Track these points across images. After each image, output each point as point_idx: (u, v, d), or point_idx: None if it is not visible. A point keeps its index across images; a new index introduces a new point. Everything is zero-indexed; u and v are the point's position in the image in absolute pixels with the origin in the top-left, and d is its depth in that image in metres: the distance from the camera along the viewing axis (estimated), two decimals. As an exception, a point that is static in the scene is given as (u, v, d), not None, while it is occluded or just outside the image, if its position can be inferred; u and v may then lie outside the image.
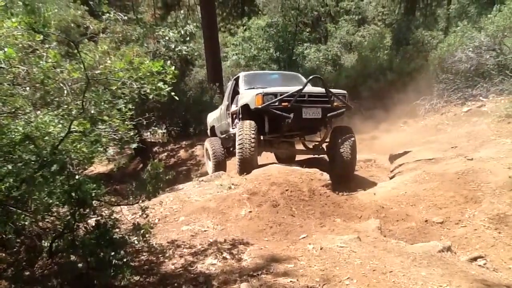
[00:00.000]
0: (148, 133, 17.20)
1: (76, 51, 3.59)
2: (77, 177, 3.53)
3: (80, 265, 3.58)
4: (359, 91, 15.63)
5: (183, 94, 15.65)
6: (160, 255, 4.41)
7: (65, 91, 3.62)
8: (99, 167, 10.98)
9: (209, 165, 10.52)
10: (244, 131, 7.53)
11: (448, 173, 6.79)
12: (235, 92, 9.67)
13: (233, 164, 9.35)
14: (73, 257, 3.63)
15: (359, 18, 24.14)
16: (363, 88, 15.81)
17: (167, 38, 14.93)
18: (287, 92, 7.60)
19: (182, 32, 15.91)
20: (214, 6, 19.34)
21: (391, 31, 21.52)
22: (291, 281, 3.72)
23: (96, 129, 3.81)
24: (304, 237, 4.85)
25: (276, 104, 7.53)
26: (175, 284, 3.82)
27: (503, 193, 5.86)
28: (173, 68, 3.89)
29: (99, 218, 3.77)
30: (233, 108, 9.42)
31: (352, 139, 8.05)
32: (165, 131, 17.39)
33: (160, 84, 3.77)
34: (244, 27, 24.72)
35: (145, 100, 4.10)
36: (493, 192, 5.96)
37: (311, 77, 7.95)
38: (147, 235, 4.05)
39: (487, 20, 12.63)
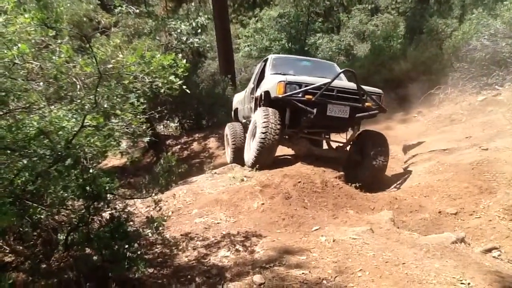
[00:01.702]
0: (161, 126, 17.31)
1: (88, 45, 3.62)
2: (91, 171, 3.57)
3: (95, 258, 3.64)
4: (372, 80, 15.48)
5: (195, 87, 15.67)
6: (173, 248, 4.46)
7: (78, 86, 3.65)
8: (113, 160, 11.06)
9: (228, 152, 10.03)
10: (270, 117, 6.85)
11: (462, 164, 6.72)
12: (262, 75, 8.86)
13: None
14: (88, 250, 3.69)
15: (372, 7, 23.92)
16: (376, 78, 15.64)
17: (178, 30, 14.93)
18: (314, 84, 6.85)
19: (194, 25, 15.93)
20: (226, -2, 19.29)
21: (405, 20, 21.27)
22: (303, 273, 3.73)
23: (109, 123, 3.83)
24: (316, 229, 4.85)
25: (299, 95, 6.81)
26: (189, 276, 3.86)
27: (518, 183, 5.79)
28: (184, 61, 3.91)
29: (113, 211, 3.81)
30: (258, 92, 8.62)
31: (387, 150, 7.42)
32: (177, 124, 17.45)
33: (172, 78, 3.78)
34: (256, 18, 24.72)
35: (157, 94, 4.11)
36: (509, 183, 5.89)
37: (342, 70, 7.30)
38: (160, 228, 4.09)
39: (503, 7, 12.38)
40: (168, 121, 17.13)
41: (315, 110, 6.79)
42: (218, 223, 5.14)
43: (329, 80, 6.85)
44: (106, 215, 3.85)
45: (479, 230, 5.16)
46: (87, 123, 3.55)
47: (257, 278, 3.69)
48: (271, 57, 9.01)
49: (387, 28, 20.51)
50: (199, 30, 16.46)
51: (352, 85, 7.14)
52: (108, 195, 3.74)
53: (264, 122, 6.80)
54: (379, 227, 4.87)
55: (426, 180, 6.70)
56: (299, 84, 6.89)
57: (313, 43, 21.33)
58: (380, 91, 7.44)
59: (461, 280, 3.50)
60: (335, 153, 8.01)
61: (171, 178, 4.28)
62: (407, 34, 19.36)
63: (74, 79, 3.66)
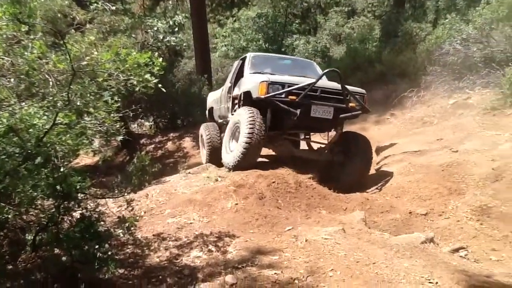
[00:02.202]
0: (135, 125, 17.13)
1: (62, 42, 3.56)
2: (62, 169, 3.50)
3: (64, 258, 3.57)
4: (348, 83, 15.65)
5: (171, 86, 15.55)
6: (145, 248, 4.42)
7: (51, 83, 3.59)
8: (85, 159, 10.93)
9: (203, 153, 9.78)
10: (256, 118, 6.61)
11: (433, 165, 6.88)
12: (240, 73, 8.60)
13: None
14: (57, 251, 3.62)
15: (349, 9, 24.19)
16: (352, 80, 15.78)
17: (155, 28, 14.84)
18: (297, 84, 6.69)
19: (171, 23, 15.83)
20: (203, -3, 19.19)
21: (380, 23, 21.56)
22: (275, 273, 3.76)
23: (81, 121, 3.78)
24: (289, 229, 4.88)
25: (282, 96, 6.63)
26: (160, 277, 3.83)
27: (486, 185, 5.96)
28: (160, 59, 3.88)
29: (84, 211, 3.75)
30: (236, 92, 8.47)
31: (370, 153, 7.40)
32: (152, 123, 17.30)
33: (147, 76, 3.75)
34: (234, 18, 24.70)
35: (132, 92, 4.07)
36: (477, 184, 6.06)
37: (327, 70, 7.00)
38: (132, 228, 4.05)
39: (475, 13, 12.69)
40: (143, 120, 16.97)
41: (298, 111, 6.66)
42: (191, 223, 5.12)
43: (313, 80, 6.72)
44: (76, 214, 3.79)
45: (448, 231, 5.30)
46: (59, 121, 3.49)
47: (229, 278, 3.70)
48: (249, 55, 8.76)
49: (363, 31, 20.78)
50: (176, 29, 16.37)
51: (336, 85, 7.02)
52: (79, 194, 3.68)
53: (250, 122, 6.56)
54: (351, 227, 4.94)
55: (397, 181, 6.83)
56: (282, 85, 6.73)
57: (290, 44, 21.43)
58: (363, 91, 7.40)
59: (429, 279, 3.59)
60: (317, 155, 7.89)
61: (144, 178, 4.24)
62: (382, 37, 19.63)
63: (46, 76, 3.60)
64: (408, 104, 12.70)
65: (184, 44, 20.17)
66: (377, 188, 7.01)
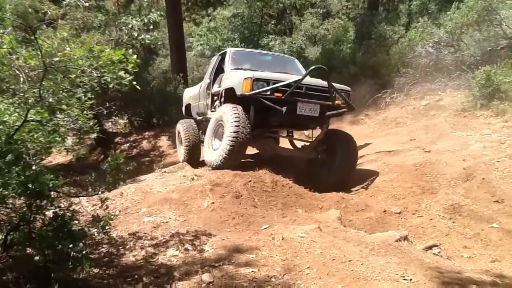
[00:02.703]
0: (110, 123, 16.88)
1: (33, 37, 3.48)
2: (33, 167, 3.42)
3: (36, 258, 3.49)
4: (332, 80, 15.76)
5: (146, 84, 15.41)
6: (120, 247, 4.35)
7: (21, 79, 3.51)
8: (58, 157, 10.70)
9: (181, 151, 9.59)
10: (241, 116, 6.46)
11: (406, 165, 7.00)
12: (219, 70, 8.48)
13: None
14: (29, 250, 3.53)
15: (324, 11, 24.33)
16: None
17: (130, 26, 14.62)
18: (283, 81, 6.57)
19: (146, 21, 15.62)
20: (179, -5, 19.05)
21: (355, 25, 21.80)
22: (252, 271, 3.75)
23: (54, 118, 3.70)
24: (266, 228, 4.89)
25: (268, 93, 6.49)
26: (136, 276, 3.78)
27: (458, 184, 6.10)
28: (135, 56, 3.83)
29: (57, 209, 3.66)
30: (215, 88, 8.32)
31: (356, 152, 7.31)
32: (127, 121, 17.09)
33: (122, 73, 3.70)
34: (209, 17, 24.60)
35: (106, 90, 4.01)
36: (449, 183, 6.20)
37: (313, 67, 6.73)
38: (107, 227, 3.97)
39: (446, 17, 12.99)
40: (117, 118, 16.73)
41: (284, 109, 6.54)
42: (167, 222, 5.07)
43: (298, 77, 6.61)
44: (49, 213, 3.69)
45: (421, 229, 5.40)
46: (31, 118, 3.41)
47: (206, 277, 3.67)
48: (229, 50, 8.55)
49: (337, 32, 20.97)
50: (151, 27, 16.16)
51: (321, 83, 6.90)
52: (52, 192, 3.60)
53: (235, 120, 6.41)
54: (327, 225, 4.97)
55: (371, 181, 6.92)
56: (267, 81, 6.58)
57: (266, 44, 21.45)
58: (348, 88, 7.31)
59: (403, 276, 3.64)
60: (302, 153, 7.81)
61: (119, 176, 4.17)
62: (356, 39, 19.87)
63: (17, 72, 3.52)
64: (382, 105, 12.90)
65: (159, 43, 19.98)
66: (363, 187, 6.99)
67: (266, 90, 6.47)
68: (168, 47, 19.36)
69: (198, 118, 9.30)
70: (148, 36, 15.20)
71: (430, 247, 4.84)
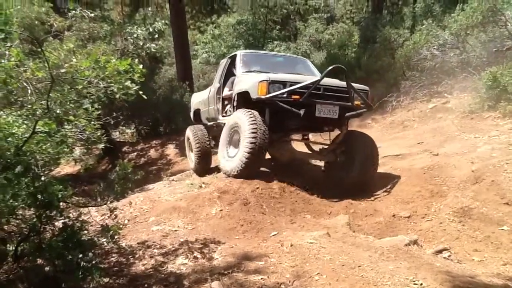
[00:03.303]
0: (117, 133, 16.97)
1: (40, 49, 3.52)
2: (42, 178, 3.45)
3: (47, 268, 3.51)
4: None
5: (153, 93, 15.49)
6: (130, 256, 4.37)
7: (29, 91, 3.54)
8: (66, 168, 10.77)
9: (191, 158, 9.28)
10: (258, 121, 6.19)
11: (414, 168, 6.96)
12: (229, 73, 8.23)
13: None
14: (39, 261, 3.54)
15: (328, 16, 24.42)
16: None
17: (135, 35, 14.69)
18: (299, 82, 6.28)
19: (151, 30, 15.69)
20: (183, 3, 19.15)
21: (359, 29, 21.80)
22: (262, 278, 3.74)
23: (61, 129, 3.74)
24: (274, 234, 4.88)
25: (284, 96, 6.21)
26: (145, 285, 3.78)
27: (466, 187, 6.05)
28: (141, 66, 3.86)
29: (66, 220, 3.69)
30: (226, 92, 8.10)
31: (376, 151, 7.02)
32: (134, 130, 17.18)
33: (128, 83, 3.73)
34: (214, 25, 24.71)
35: (112, 100, 4.04)
36: (458, 186, 6.15)
37: (331, 66, 6.43)
38: (116, 236, 3.99)
39: (450, 19, 12.97)
40: (124, 128, 16.82)
41: (302, 112, 6.28)
42: (175, 230, 5.08)
43: (315, 78, 6.38)
44: (58, 224, 3.72)
45: (431, 232, 5.35)
46: (39, 129, 3.45)
47: (215, 284, 3.67)
48: (239, 53, 8.23)
49: (342, 37, 20.99)
50: (156, 36, 16.23)
51: (339, 83, 6.71)
52: (61, 203, 3.63)
53: (252, 126, 6.14)
54: (336, 231, 4.95)
55: (380, 185, 6.88)
56: (284, 83, 6.30)
57: (271, 51, 21.55)
58: (366, 88, 7.07)
59: (414, 281, 3.61)
60: (321, 156, 7.56)
61: (127, 185, 4.19)
62: (361, 43, 19.87)
63: (25, 84, 3.55)
64: (388, 108, 12.87)
65: (165, 51, 20.06)
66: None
67: (283, 93, 6.21)
68: (174, 56, 19.45)
69: (209, 123, 9.03)
70: (154, 45, 15.27)
71: (440, 251, 4.80)
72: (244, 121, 6.29)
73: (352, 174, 6.88)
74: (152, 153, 15.05)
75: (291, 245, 4.35)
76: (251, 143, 6.08)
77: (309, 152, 7.91)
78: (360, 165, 6.82)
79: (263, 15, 22.65)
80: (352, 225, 5.41)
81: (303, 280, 3.71)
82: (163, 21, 16.65)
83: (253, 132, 6.10)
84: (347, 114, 6.76)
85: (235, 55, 8.22)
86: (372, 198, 6.54)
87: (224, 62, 8.71)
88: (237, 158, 6.34)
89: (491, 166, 6.14)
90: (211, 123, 8.83)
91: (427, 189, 6.28)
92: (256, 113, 6.34)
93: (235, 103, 7.23)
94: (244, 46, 21.34)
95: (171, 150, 14.70)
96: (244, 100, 6.81)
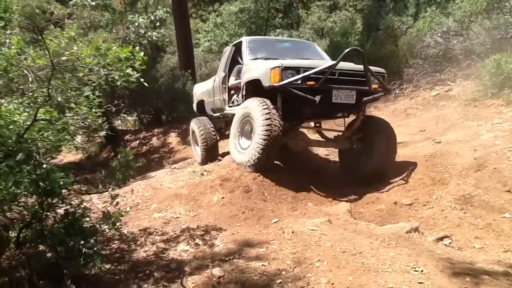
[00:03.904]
0: (119, 121, 16.99)
1: (40, 37, 3.51)
2: (44, 166, 3.47)
3: (49, 254, 3.55)
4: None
5: (155, 81, 15.45)
6: (131, 243, 4.40)
7: (30, 79, 3.54)
8: (68, 156, 10.81)
9: (197, 151, 8.97)
10: (271, 110, 5.92)
11: (417, 156, 6.94)
12: (234, 61, 7.94)
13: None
14: (41, 247, 3.58)
15: (331, 4, 24.14)
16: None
17: (136, 24, 14.62)
18: (314, 67, 5.97)
19: (152, 18, 15.63)
20: (185, -9, 19.03)
21: (362, 17, 21.63)
22: (263, 265, 3.77)
23: (63, 117, 3.74)
24: (276, 222, 4.90)
25: (298, 82, 5.89)
26: (147, 271, 3.82)
27: (468, 174, 6.03)
28: (142, 54, 3.85)
29: (68, 207, 3.72)
30: (232, 81, 7.79)
31: (394, 137, 6.73)
32: (136, 118, 17.18)
33: (129, 71, 3.73)
34: (216, 13, 24.55)
35: (114, 87, 4.03)
36: (460, 174, 6.13)
37: (348, 49, 6.22)
38: (117, 223, 4.02)
39: (454, 6, 12.86)
40: (126, 115, 16.82)
41: (318, 98, 5.97)
42: (177, 217, 5.11)
43: (330, 62, 6.10)
44: (60, 211, 3.75)
45: (432, 220, 5.35)
46: (40, 117, 3.45)
47: (217, 271, 3.70)
48: (245, 39, 7.88)
49: (345, 25, 20.80)
50: (158, 24, 16.17)
51: (355, 66, 6.46)
52: (63, 190, 3.65)
53: (266, 116, 5.87)
54: (337, 218, 4.97)
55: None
56: (297, 69, 5.98)
57: (274, 38, 21.44)
58: (383, 70, 6.81)
59: (414, 268, 3.63)
60: (337, 144, 7.29)
61: (129, 173, 4.21)
62: (364, 31, 19.72)
63: (25, 72, 3.55)
64: (391, 96, 12.79)
65: (167, 40, 20.00)
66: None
67: (297, 79, 5.88)
68: (175, 44, 19.38)
69: (214, 114, 8.75)
70: (155, 34, 15.22)
71: (441, 238, 4.80)
72: (256, 110, 6.03)
73: (372, 162, 6.65)
74: (154, 141, 15.07)
75: (292, 232, 4.38)
76: (265, 134, 5.82)
77: (324, 140, 7.61)
78: (380, 152, 6.60)
79: (265, 3, 22.44)
80: (353, 213, 5.43)
81: (304, 267, 3.73)
82: (164, 9, 16.56)
83: (267, 122, 5.84)
84: (365, 98, 6.47)
85: (241, 42, 7.90)
86: (375, 186, 6.54)
87: (228, 50, 8.43)
88: (251, 150, 6.10)
89: (493, 153, 6.12)
90: (217, 114, 8.59)
91: (429, 176, 6.27)
92: (268, 101, 6.09)
93: (243, 92, 6.96)
94: (246, 34, 21.20)
95: (173, 138, 14.71)
96: (254, 89, 6.56)
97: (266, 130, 5.81)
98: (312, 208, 5.57)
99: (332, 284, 3.42)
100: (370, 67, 6.28)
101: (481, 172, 5.89)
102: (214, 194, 5.66)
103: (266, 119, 5.84)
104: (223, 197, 5.58)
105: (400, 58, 14.18)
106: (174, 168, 7.60)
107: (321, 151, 8.47)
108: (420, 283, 3.31)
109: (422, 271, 3.58)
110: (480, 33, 11.68)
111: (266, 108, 5.95)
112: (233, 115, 6.93)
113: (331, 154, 8.43)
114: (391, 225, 4.92)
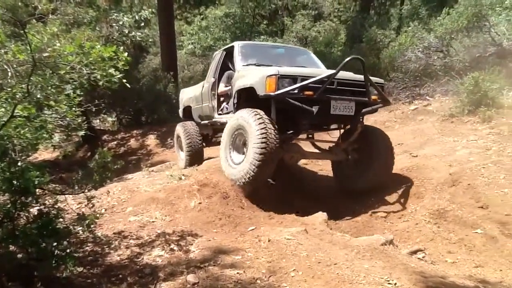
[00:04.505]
0: (98, 121, 16.78)
1: (22, 31, 3.45)
2: (19, 164, 3.39)
3: (20, 255, 3.46)
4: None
5: (136, 82, 15.33)
6: (105, 246, 4.33)
7: (9, 73, 3.48)
8: (44, 154, 10.61)
9: (181, 156, 8.68)
10: (267, 123, 5.57)
11: (394, 169, 7.02)
12: (225, 67, 7.65)
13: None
14: (12, 247, 3.49)
15: (316, 13, 24.39)
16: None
17: (120, 23, 14.53)
18: (311, 76, 5.71)
19: (137, 18, 15.55)
20: (171, -7, 18.95)
21: (346, 28, 21.90)
22: (238, 273, 3.75)
23: (41, 114, 3.68)
24: (252, 229, 4.89)
25: (296, 92, 5.60)
26: (120, 276, 3.76)
27: (443, 189, 6.13)
28: (126, 54, 3.82)
29: (42, 207, 3.64)
30: (222, 87, 7.46)
31: (392, 149, 6.60)
32: (115, 119, 16.99)
33: (112, 71, 3.69)
34: (201, 16, 24.52)
35: (95, 86, 3.98)
36: (435, 188, 6.23)
37: (348, 58, 5.94)
38: (92, 226, 3.96)
39: (436, 22, 13.11)
40: (106, 116, 16.62)
41: (315, 109, 5.69)
42: (153, 221, 5.05)
43: (331, 71, 5.77)
44: (34, 211, 3.67)
45: (407, 233, 5.43)
46: (18, 113, 3.38)
47: (191, 277, 3.67)
48: (237, 44, 7.49)
49: (328, 35, 21.04)
50: (142, 24, 16.08)
51: (354, 76, 6.23)
52: (37, 190, 3.58)
53: (261, 129, 5.51)
54: (313, 228, 4.98)
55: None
56: (294, 78, 5.68)
57: (260, 45, 21.49)
58: (381, 80, 6.67)
59: (388, 280, 3.66)
60: (331, 155, 6.95)
61: (106, 174, 4.15)
62: (347, 42, 19.97)
63: (5, 66, 3.49)
64: (371, 108, 12.92)
65: (150, 40, 19.85)
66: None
67: (294, 89, 5.59)
68: (159, 45, 19.28)
69: (202, 122, 8.41)
70: (139, 34, 15.13)
71: (415, 252, 4.87)
72: (250, 123, 5.67)
73: (368, 174, 6.50)
74: (133, 142, 14.91)
75: (269, 241, 4.37)
76: (261, 148, 5.46)
77: (319, 151, 7.33)
78: (379, 163, 6.44)
79: (251, 9, 22.57)
80: (329, 223, 5.44)
81: (279, 276, 3.72)
82: (150, 10, 16.48)
83: (263, 138, 5.48)
84: (364, 110, 6.21)
85: (232, 46, 7.54)
86: (351, 197, 6.60)
87: (218, 55, 8.10)
88: (244, 165, 5.73)
89: (468, 170, 6.24)
90: (205, 121, 8.27)
91: (405, 190, 6.36)
92: (262, 113, 5.74)
93: (235, 100, 6.64)
94: (231, 39, 21.23)
95: (152, 140, 14.59)
96: (247, 97, 6.27)
97: (261, 145, 5.46)
98: (289, 217, 5.57)
99: (307, 294, 3.43)
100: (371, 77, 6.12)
101: (455, 188, 5.99)
102: (192, 199, 5.62)
103: (262, 134, 5.48)
104: (200, 203, 5.54)
105: (382, 71, 14.35)
106: (152, 171, 7.51)
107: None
108: (394, 296, 3.34)
109: (395, 284, 3.62)
110: (459, 50, 11.95)
111: (260, 121, 5.59)
112: (222, 123, 6.74)
113: (309, 163, 8.48)
114: (366, 237, 4.96)
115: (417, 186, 6.38)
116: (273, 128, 5.61)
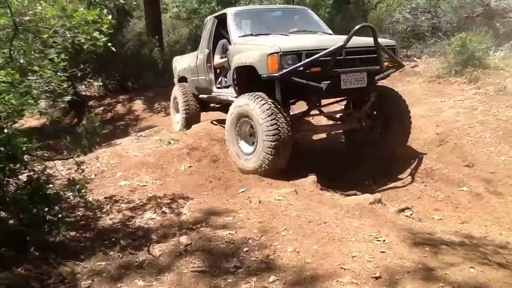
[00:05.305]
0: (83, 86, 16.50)
1: (1, -6, 3.34)
2: (5, 130, 3.35)
3: (11, 222, 3.46)
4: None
5: (121, 47, 14.97)
6: (97, 211, 4.34)
7: (-10, 39, 3.38)
8: (30, 120, 10.43)
9: (177, 119, 8.36)
10: (276, 111, 5.14)
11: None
12: (218, 36, 7.19)
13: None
14: (3, 214, 3.49)
15: (302, -26, 23.91)
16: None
17: (103, -15, 14.09)
18: (317, 49, 5.13)
19: (119, -20, 15.08)
20: (154, -47, 18.34)
21: (333, -11, 21.53)
22: (229, 233, 3.80)
23: (26, 80, 3.60)
24: (243, 191, 4.93)
25: (301, 69, 5.06)
26: (113, 239, 3.79)
27: (431, 149, 6.24)
28: (110, 17, 3.72)
29: (31, 173, 3.62)
30: (217, 59, 7.04)
31: (408, 112, 6.19)
32: (101, 84, 16.71)
33: (96, 34, 3.60)
34: (186, -22, 23.84)
35: (79, 51, 3.90)
36: (422, 148, 6.33)
37: (358, 26, 5.26)
38: (83, 190, 3.96)
39: (424, -18, 12.95)
40: (92, 81, 16.33)
41: (324, 85, 5.19)
42: (144, 185, 5.06)
43: (341, 44, 5.10)
44: (23, 177, 3.65)
45: (394, 192, 5.56)
46: (1, 79, 3.31)
47: (184, 239, 3.72)
48: (230, 12, 6.82)
49: (316, -4, 20.67)
50: (125, -14, 15.64)
51: (364, 42, 5.61)
52: (26, 156, 3.55)
53: (270, 117, 5.10)
54: (303, 189, 5.04)
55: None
56: (298, 54, 5.13)
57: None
58: (393, 42, 6.18)
59: (377, 238, 3.74)
60: (344, 125, 6.58)
61: (95, 140, 4.14)
62: (335, 4, 19.64)
63: (-15, 31, 3.39)
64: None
65: (134, 3, 19.32)
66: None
67: (299, 66, 5.05)
68: (143, 9, 18.81)
69: (200, 96, 7.90)
70: (122, -4, 14.70)
71: (402, 210, 4.98)
72: (256, 111, 5.23)
73: (386, 140, 6.18)
74: (120, 108, 14.75)
75: (259, 202, 4.42)
76: (274, 141, 5.10)
77: (330, 124, 6.86)
78: (398, 127, 6.11)
79: (237, -30, 22.00)
80: (318, 185, 5.50)
81: (270, 235, 3.79)
82: (133, -28, 15.99)
83: (273, 125, 5.08)
84: (377, 77, 5.72)
85: (225, 14, 6.91)
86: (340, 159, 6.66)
87: (210, 23, 7.48)
88: (257, 157, 5.35)
89: (455, 129, 6.33)
90: (204, 95, 7.77)
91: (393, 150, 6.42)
92: (266, 97, 5.28)
93: (234, 76, 6.05)
94: (216, 1, 20.79)
95: (139, 105, 14.44)
96: (248, 75, 5.73)
97: (274, 137, 5.09)
98: (279, 179, 5.61)
99: (298, 252, 3.50)
100: (380, 40, 5.60)
101: (442, 147, 6.10)
102: (181, 163, 5.64)
103: (272, 125, 5.09)
104: (190, 166, 5.56)
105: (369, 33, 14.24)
106: (140, 136, 7.43)
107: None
108: (382, 252, 3.42)
109: (384, 240, 3.70)
110: (447, 11, 11.88)
111: (270, 112, 5.14)
112: (223, 100, 6.72)
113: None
114: (355, 196, 5.04)
115: (405, 146, 6.45)
116: (283, 116, 5.19)
